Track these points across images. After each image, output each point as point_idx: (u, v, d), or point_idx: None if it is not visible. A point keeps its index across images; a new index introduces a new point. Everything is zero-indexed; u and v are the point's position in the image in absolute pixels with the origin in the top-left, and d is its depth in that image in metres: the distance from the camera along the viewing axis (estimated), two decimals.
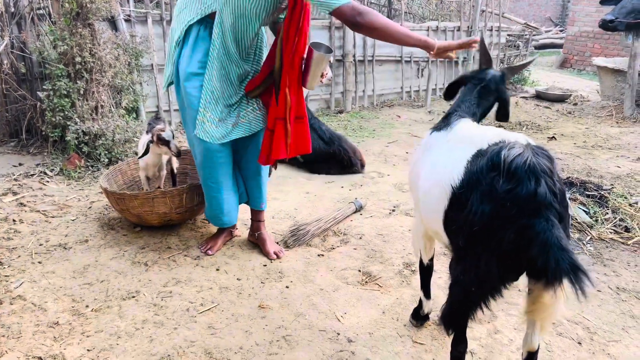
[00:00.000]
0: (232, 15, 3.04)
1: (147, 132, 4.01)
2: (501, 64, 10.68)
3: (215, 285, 3.34)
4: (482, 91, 2.60)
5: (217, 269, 3.53)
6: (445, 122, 2.52)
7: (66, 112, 5.06)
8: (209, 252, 3.72)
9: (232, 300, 3.20)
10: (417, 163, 2.60)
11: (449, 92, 2.78)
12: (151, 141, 3.87)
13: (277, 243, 3.91)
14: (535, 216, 1.84)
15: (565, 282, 1.73)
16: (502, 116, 2.71)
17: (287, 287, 3.38)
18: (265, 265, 3.61)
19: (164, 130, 3.85)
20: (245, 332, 2.92)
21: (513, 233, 1.88)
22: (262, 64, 3.35)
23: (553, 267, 1.74)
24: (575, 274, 1.71)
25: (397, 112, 8.66)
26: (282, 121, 3.26)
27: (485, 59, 2.71)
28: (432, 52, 2.93)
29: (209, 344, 2.80)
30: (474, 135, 2.22)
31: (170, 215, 3.86)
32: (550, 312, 2.02)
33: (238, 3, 3.01)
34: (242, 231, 4.10)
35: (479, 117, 2.61)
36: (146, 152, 3.91)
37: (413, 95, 9.55)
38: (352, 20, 2.82)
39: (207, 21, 3.14)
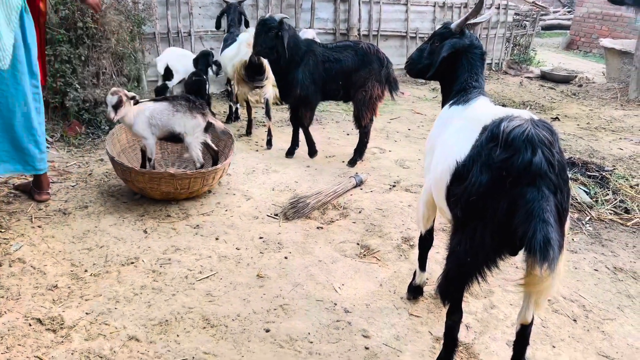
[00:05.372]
0: None
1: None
2: (507, 43, 10.56)
3: (214, 254, 3.36)
4: (484, 59, 2.65)
5: (217, 238, 3.54)
6: (465, 97, 2.53)
7: (67, 78, 5.02)
8: None
9: (230, 269, 3.22)
10: (434, 134, 2.63)
11: (442, 68, 2.68)
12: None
13: (276, 215, 3.91)
14: (529, 185, 1.86)
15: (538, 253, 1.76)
16: None
17: (285, 257, 3.39)
18: (263, 237, 3.62)
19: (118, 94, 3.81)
20: (243, 300, 2.94)
21: (507, 203, 1.89)
22: None
23: (530, 237, 1.78)
24: (546, 247, 1.74)
25: (400, 88, 8.55)
26: None
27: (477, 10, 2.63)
28: None
29: (206, 310, 2.82)
30: (484, 114, 2.24)
31: (173, 194, 3.86)
32: (543, 287, 2.03)
33: None
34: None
35: None
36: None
37: None
38: None
39: None
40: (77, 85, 5.04)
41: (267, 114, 5.43)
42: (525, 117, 2.03)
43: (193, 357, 2.49)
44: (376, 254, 3.52)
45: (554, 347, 2.73)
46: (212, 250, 3.39)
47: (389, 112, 7.14)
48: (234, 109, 6.10)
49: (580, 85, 9.66)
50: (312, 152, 5.18)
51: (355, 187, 4.53)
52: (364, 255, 3.50)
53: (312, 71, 4.80)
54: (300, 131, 5.16)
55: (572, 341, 2.79)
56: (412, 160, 5.32)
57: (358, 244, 3.63)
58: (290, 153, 5.18)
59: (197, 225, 3.68)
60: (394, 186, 4.64)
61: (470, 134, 2.16)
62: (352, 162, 5.11)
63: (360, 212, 4.09)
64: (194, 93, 5.76)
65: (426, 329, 2.81)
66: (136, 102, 3.93)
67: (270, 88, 5.31)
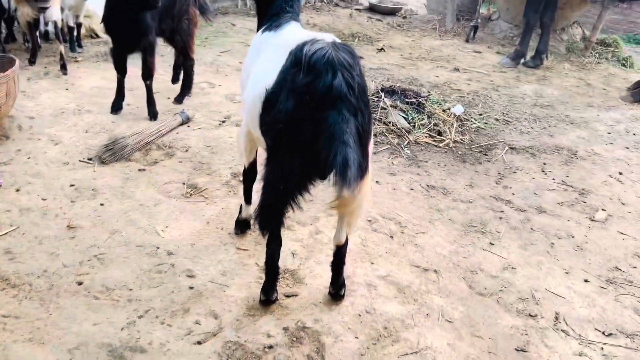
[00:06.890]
0: None
1: None
2: None
3: (14, 207, 2.97)
4: None
5: (18, 190, 3.14)
6: (276, 23, 2.43)
7: None
8: None
9: (35, 222, 2.88)
10: (248, 62, 2.51)
11: None
12: None
13: (91, 159, 3.56)
14: (330, 109, 1.86)
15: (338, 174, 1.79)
16: None
17: (101, 204, 3.12)
18: (75, 184, 3.28)
19: None
20: (50, 254, 2.65)
21: (312, 128, 1.88)
22: None
23: (332, 160, 1.80)
24: (344, 168, 1.78)
25: (231, 20, 8.26)
26: None
27: None
28: None
29: (6, 270, 2.50)
30: (291, 39, 2.16)
31: None
32: (352, 208, 2.10)
33: None
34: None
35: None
36: None
37: (249, 3, 9.15)
38: None
39: None
40: None
41: (57, 37, 5.13)
42: (328, 40, 2.01)
43: None
44: (204, 192, 3.40)
45: (372, 263, 2.89)
46: (12, 204, 3.00)
47: (220, 45, 6.85)
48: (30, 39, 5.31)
49: (405, 17, 10.14)
50: (154, 113, 4.40)
51: (181, 124, 4.29)
52: (191, 194, 3.37)
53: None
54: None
55: (389, 256, 2.98)
56: None
57: (184, 183, 3.47)
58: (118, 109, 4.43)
59: None
60: (223, 122, 4.50)
61: (278, 60, 2.09)
62: (179, 99, 4.82)
63: (187, 150, 3.90)
64: None
65: (253, 262, 2.80)
66: None
67: (57, 9, 4.82)
